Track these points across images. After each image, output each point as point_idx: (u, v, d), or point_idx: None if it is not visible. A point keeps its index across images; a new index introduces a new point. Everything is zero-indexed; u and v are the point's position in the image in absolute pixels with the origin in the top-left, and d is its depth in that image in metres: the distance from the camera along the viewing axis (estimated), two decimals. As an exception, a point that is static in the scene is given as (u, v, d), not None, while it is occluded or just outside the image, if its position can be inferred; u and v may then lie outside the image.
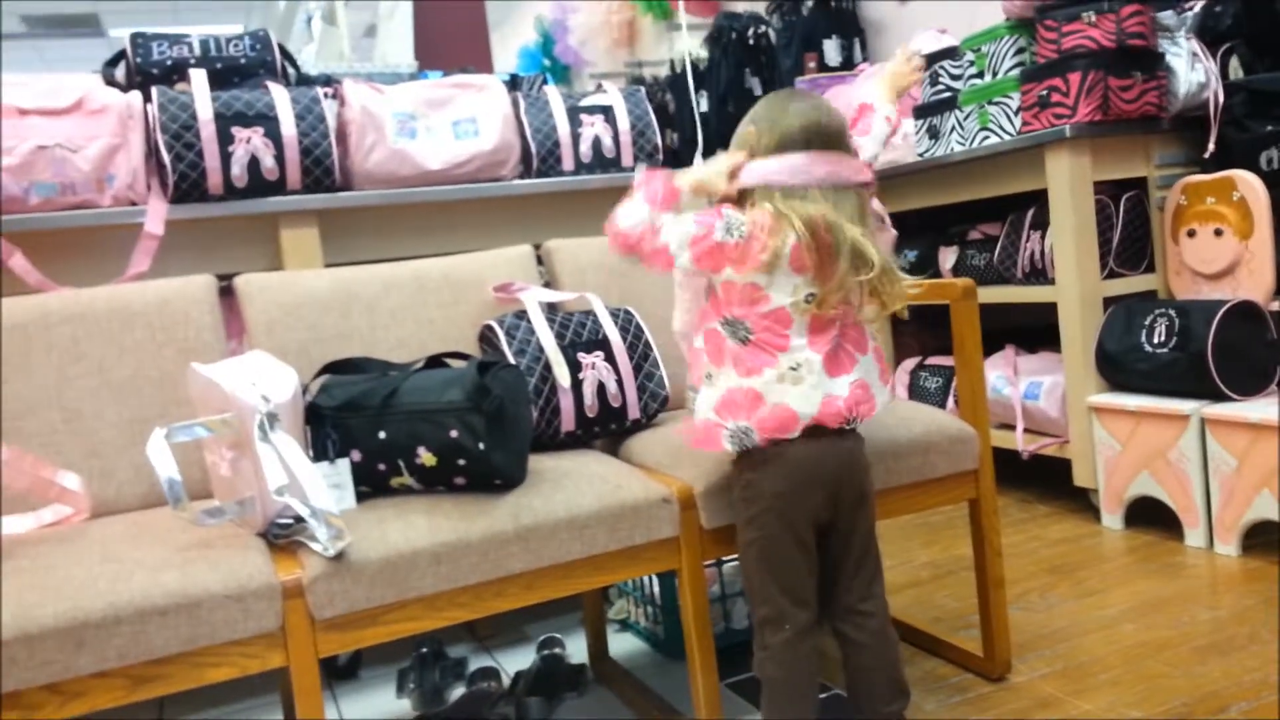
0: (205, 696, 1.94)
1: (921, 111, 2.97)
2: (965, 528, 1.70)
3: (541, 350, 1.62)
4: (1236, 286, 2.34)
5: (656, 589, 1.95)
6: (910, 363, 3.04)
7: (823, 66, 4.02)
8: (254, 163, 2.04)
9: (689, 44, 4.90)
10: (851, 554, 1.36)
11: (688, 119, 4.75)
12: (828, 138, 1.32)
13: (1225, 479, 2.15)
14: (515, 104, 2.39)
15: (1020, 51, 2.73)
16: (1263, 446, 2.06)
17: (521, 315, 1.68)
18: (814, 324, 1.31)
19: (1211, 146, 2.46)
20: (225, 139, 2.02)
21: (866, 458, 1.38)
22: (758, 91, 4.23)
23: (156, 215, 2.00)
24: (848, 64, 4.01)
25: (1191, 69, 2.54)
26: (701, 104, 4.74)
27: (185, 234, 2.04)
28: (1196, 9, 2.62)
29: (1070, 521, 2.51)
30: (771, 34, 4.30)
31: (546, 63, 6.09)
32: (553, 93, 2.46)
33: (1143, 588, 2.04)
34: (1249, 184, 2.30)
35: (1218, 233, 2.36)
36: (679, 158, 3.82)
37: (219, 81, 2.12)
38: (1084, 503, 2.54)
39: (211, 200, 2.04)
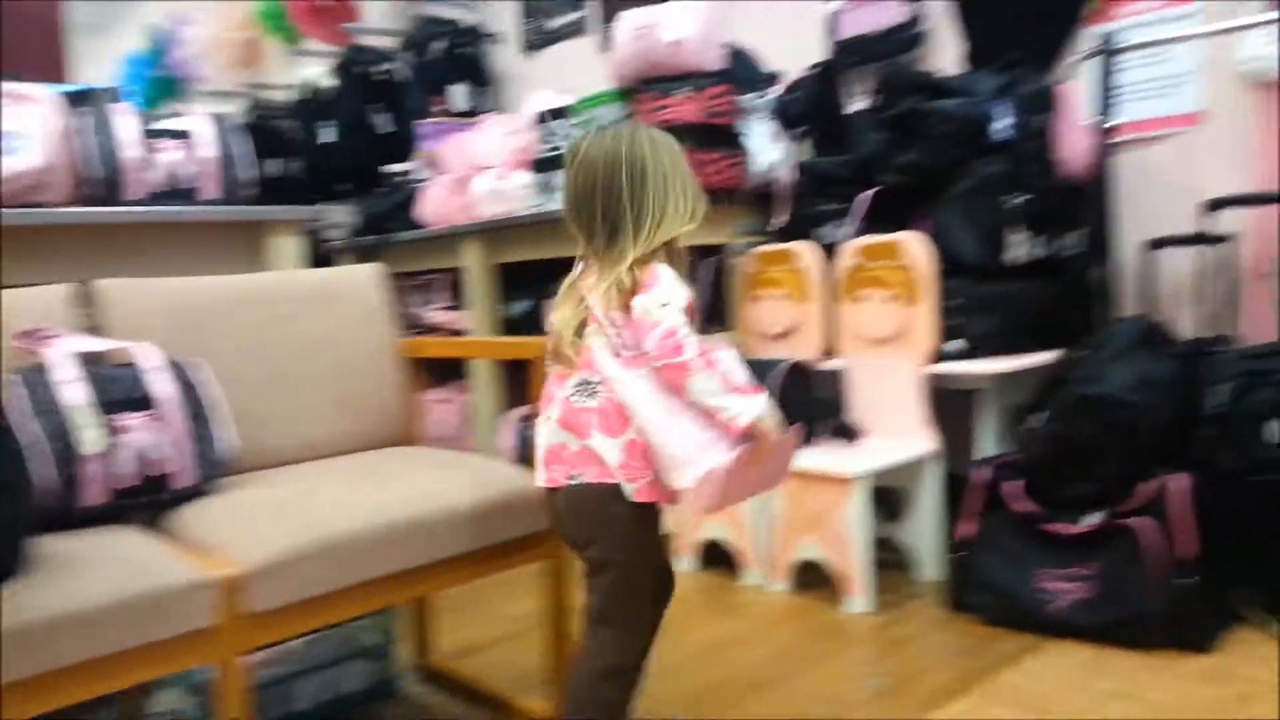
0: None
1: (539, 166, 3.05)
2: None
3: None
4: (794, 347, 2.62)
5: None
6: (518, 412, 3.08)
7: (449, 111, 4.02)
8: None
9: (316, 71, 4.68)
10: None
11: (312, 148, 4.52)
12: None
13: (773, 523, 2.37)
14: (77, 120, 2.11)
15: (626, 118, 2.89)
16: (804, 496, 2.29)
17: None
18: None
19: (778, 220, 2.74)
20: None
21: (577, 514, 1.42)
22: (382, 128, 4.13)
23: None
24: (475, 111, 4.03)
25: (767, 149, 2.82)
26: (327, 134, 4.53)
27: None
28: (773, 95, 2.93)
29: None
30: (406, 70, 4.23)
31: (156, 75, 5.54)
32: (124, 111, 2.21)
33: (709, 629, 2.18)
34: (805, 255, 2.58)
35: (781, 298, 2.63)
36: (280, 189, 3.51)
37: None
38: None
39: None
